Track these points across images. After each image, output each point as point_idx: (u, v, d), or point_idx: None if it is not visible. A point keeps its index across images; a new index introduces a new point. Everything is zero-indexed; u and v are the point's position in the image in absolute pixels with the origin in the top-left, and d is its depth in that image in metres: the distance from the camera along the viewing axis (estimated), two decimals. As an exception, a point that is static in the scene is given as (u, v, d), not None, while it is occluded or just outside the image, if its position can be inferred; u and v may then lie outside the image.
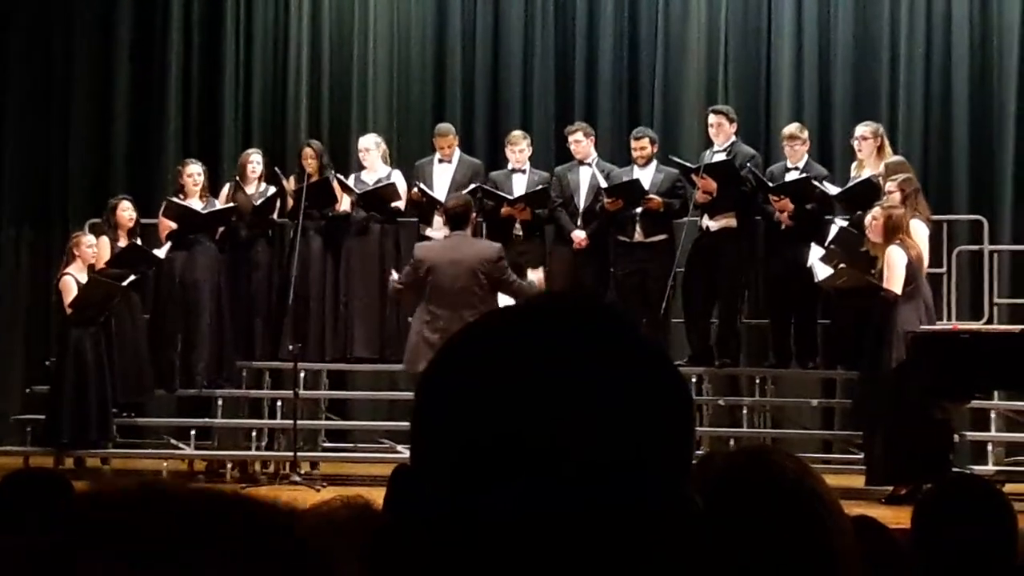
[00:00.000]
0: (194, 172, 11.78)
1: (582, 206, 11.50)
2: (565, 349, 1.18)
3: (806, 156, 11.27)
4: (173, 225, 11.64)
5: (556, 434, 1.14)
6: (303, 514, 2.92)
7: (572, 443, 1.14)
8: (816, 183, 10.94)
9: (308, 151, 11.85)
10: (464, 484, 1.14)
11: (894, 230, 9.85)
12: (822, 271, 10.48)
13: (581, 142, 11.63)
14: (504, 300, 10.13)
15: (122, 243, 11.44)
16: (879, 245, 9.92)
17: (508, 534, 1.13)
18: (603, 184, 11.33)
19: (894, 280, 9.77)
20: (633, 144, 11.56)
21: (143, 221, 11.74)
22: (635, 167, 11.46)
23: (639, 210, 11.26)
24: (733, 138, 11.41)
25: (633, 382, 1.19)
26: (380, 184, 11.67)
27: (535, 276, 10.89)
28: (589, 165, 11.59)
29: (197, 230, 11.64)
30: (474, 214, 10.70)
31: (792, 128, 11.46)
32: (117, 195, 12.00)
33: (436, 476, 1.17)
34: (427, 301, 10.15)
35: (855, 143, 11.09)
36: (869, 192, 10.57)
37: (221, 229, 11.77)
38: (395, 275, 10.67)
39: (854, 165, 11.18)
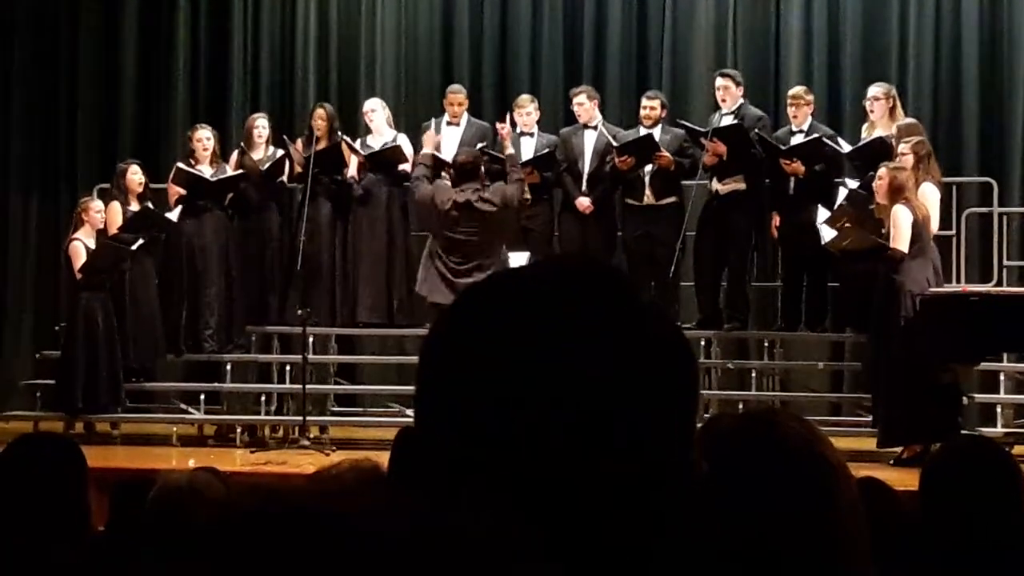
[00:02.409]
0: (203, 137, 11.78)
1: (587, 170, 11.47)
2: (570, 314, 1.18)
3: (810, 118, 11.22)
4: (183, 191, 11.64)
5: (560, 399, 1.14)
6: (311, 477, 2.94)
7: (576, 408, 1.14)
8: (828, 141, 10.92)
9: (320, 112, 11.84)
10: (468, 448, 1.14)
11: (898, 190, 9.83)
12: (828, 233, 10.46)
13: (584, 104, 11.58)
14: (515, 259, 10.17)
15: (133, 207, 11.44)
16: (884, 206, 9.92)
17: (511, 491, 1.13)
18: (614, 143, 11.30)
19: (900, 239, 9.76)
20: (644, 103, 11.49)
21: (152, 186, 11.73)
22: (641, 128, 11.43)
23: (649, 168, 11.23)
24: (741, 101, 11.37)
25: (637, 347, 1.18)
26: (386, 146, 11.67)
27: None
28: (594, 128, 11.56)
29: (207, 197, 11.64)
30: (483, 169, 10.72)
31: (797, 89, 11.44)
32: (126, 160, 12.00)
33: (441, 439, 1.17)
34: (439, 243, 10.26)
35: (867, 104, 11.05)
36: (881, 151, 10.52)
37: (230, 195, 11.78)
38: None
39: (865, 126, 11.13)
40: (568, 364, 1.15)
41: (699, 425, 1.51)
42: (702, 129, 11.17)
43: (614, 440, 1.15)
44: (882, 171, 9.99)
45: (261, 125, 11.99)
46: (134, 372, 11.55)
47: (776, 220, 11.10)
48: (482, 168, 10.71)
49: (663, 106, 11.49)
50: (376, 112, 11.88)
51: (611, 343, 1.17)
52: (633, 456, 1.15)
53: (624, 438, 1.15)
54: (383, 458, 2.95)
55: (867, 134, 11.01)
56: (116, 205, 11.39)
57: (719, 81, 11.45)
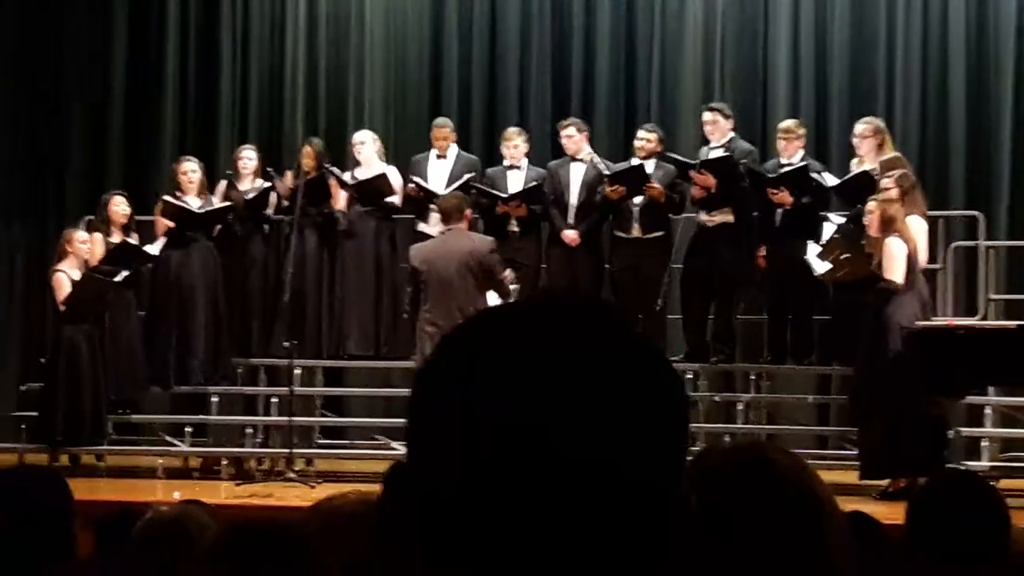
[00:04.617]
0: (189, 169, 11.77)
1: (574, 202, 11.47)
2: (560, 348, 1.18)
3: (801, 152, 11.22)
4: (170, 224, 11.62)
5: (551, 433, 1.14)
6: (312, 508, 2.93)
7: (567, 442, 1.14)
8: (814, 174, 10.93)
9: (308, 149, 11.81)
10: (462, 481, 1.14)
11: (889, 222, 9.86)
12: (820, 266, 10.46)
13: (573, 137, 11.59)
14: (492, 299, 10.13)
15: (115, 239, 11.42)
16: (876, 239, 9.93)
17: (506, 530, 1.13)
18: (605, 172, 11.31)
19: (894, 270, 9.77)
20: (641, 135, 11.49)
21: (139, 218, 11.71)
22: (633, 159, 11.44)
23: (639, 200, 11.23)
24: (731, 134, 11.39)
25: (627, 381, 1.19)
26: (374, 175, 11.66)
27: (508, 275, 10.65)
28: (582, 161, 11.57)
29: (194, 228, 11.62)
30: (468, 210, 10.67)
31: (788, 123, 11.43)
32: (111, 191, 11.98)
33: (433, 473, 1.17)
34: (423, 298, 10.21)
35: (855, 140, 11.03)
36: (865, 185, 10.52)
37: (218, 227, 11.76)
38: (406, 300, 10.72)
39: (854, 162, 11.10)
40: (561, 398, 1.15)
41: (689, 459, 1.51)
42: (691, 161, 11.19)
43: (606, 473, 1.15)
44: (871, 204, 10.01)
45: (247, 156, 12.00)
46: (118, 404, 11.51)
47: (763, 251, 11.11)
48: (466, 208, 10.65)
49: (660, 140, 11.50)
50: (365, 144, 11.88)
51: (603, 377, 1.17)
52: (625, 489, 1.15)
53: (615, 471, 1.15)
54: (371, 491, 2.95)
55: (858, 170, 10.99)
56: (98, 237, 11.38)
57: (707, 115, 11.46)
